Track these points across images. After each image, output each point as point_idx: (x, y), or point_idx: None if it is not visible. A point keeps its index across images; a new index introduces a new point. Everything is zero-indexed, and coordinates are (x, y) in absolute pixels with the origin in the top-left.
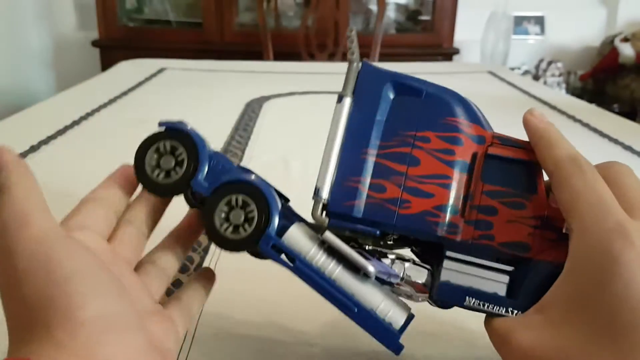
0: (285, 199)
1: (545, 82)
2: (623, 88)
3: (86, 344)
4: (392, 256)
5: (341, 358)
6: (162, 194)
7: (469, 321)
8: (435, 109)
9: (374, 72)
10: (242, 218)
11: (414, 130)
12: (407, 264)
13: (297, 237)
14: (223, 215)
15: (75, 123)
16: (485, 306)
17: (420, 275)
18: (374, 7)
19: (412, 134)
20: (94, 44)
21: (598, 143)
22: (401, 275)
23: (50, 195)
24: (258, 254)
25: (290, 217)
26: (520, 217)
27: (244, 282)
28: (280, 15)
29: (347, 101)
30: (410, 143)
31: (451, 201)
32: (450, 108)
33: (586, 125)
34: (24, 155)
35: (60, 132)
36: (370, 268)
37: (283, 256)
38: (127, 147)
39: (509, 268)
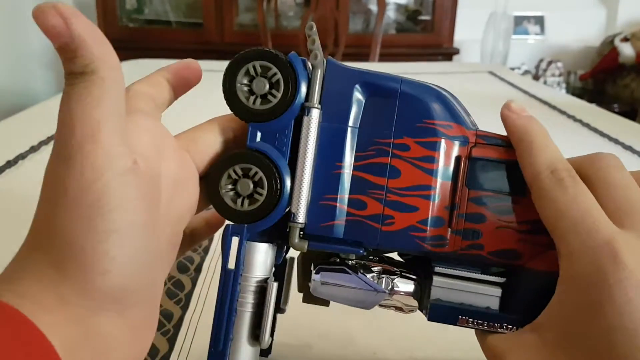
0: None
1: (545, 82)
2: (623, 88)
3: (87, 313)
4: (377, 269)
5: (342, 358)
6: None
7: None
8: (411, 111)
9: (341, 73)
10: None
11: (391, 137)
12: (394, 277)
13: (258, 255)
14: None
15: None
16: (479, 324)
17: (407, 284)
18: (374, 7)
19: (389, 142)
20: None
21: (598, 143)
22: (387, 290)
23: None
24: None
25: (274, 235)
26: (509, 223)
27: None
28: (280, 15)
29: (315, 113)
30: (388, 152)
31: (436, 213)
32: (428, 109)
33: (586, 125)
34: (24, 155)
35: None
36: (267, 340)
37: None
38: None
39: (501, 280)
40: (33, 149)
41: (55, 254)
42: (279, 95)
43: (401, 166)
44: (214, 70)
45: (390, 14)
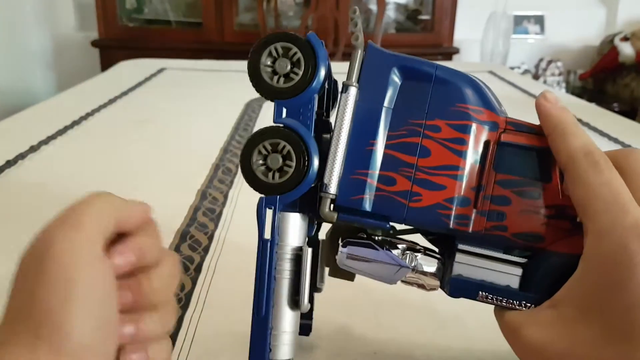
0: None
1: (545, 82)
2: (623, 87)
3: None
4: (402, 246)
5: (343, 357)
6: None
7: (469, 320)
8: (445, 95)
9: (380, 56)
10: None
11: (423, 118)
12: (418, 255)
13: (291, 224)
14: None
15: (76, 123)
16: (498, 300)
17: (430, 262)
18: (373, 6)
19: (421, 123)
20: (94, 44)
21: (598, 142)
22: (411, 266)
23: (50, 195)
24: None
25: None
26: (533, 207)
27: (244, 282)
28: (280, 15)
29: (353, 91)
30: (419, 132)
31: (463, 192)
32: (461, 94)
33: (586, 124)
34: (23, 155)
35: (60, 132)
36: (305, 305)
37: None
38: (127, 147)
39: (522, 260)
40: (33, 149)
41: (33, 321)
42: (300, 72)
43: (432, 146)
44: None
45: (390, 13)
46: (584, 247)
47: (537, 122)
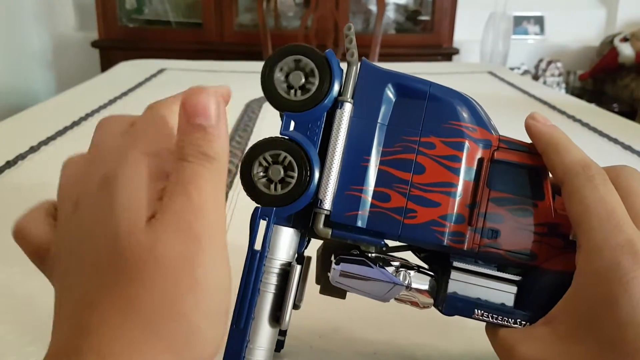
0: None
1: (544, 82)
2: (622, 88)
3: None
4: (396, 264)
5: (342, 358)
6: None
7: (469, 320)
8: (439, 112)
9: (374, 73)
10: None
11: (418, 135)
12: (411, 272)
13: (283, 238)
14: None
15: (75, 123)
16: (494, 318)
17: (424, 280)
18: (373, 7)
19: (415, 140)
20: (94, 44)
21: (598, 143)
22: (405, 283)
23: (50, 195)
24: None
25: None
26: (527, 225)
27: None
28: (280, 16)
29: (348, 107)
30: (414, 149)
31: (457, 210)
32: (455, 111)
33: (586, 125)
34: (23, 156)
35: (60, 133)
36: (286, 322)
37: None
38: None
39: (517, 278)
40: (33, 149)
41: (176, 338)
42: (315, 87)
43: (426, 163)
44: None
45: (390, 14)
46: (577, 263)
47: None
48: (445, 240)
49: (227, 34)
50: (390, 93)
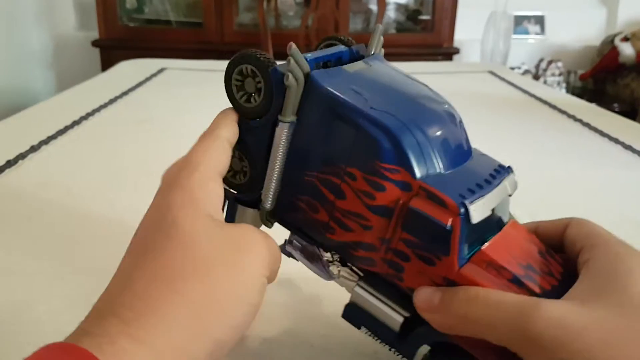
0: None
1: (545, 82)
2: (623, 87)
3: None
4: (328, 256)
5: (342, 358)
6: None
7: None
8: (365, 146)
9: (317, 92)
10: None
11: (345, 164)
12: (344, 269)
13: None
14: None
15: (76, 123)
16: (377, 339)
17: (352, 278)
18: (374, 6)
19: (343, 167)
20: (94, 44)
21: (598, 142)
22: (334, 276)
23: (50, 195)
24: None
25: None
26: (428, 272)
27: None
28: (280, 15)
29: (284, 126)
30: (340, 175)
31: (369, 240)
32: (378, 151)
33: (586, 124)
34: (24, 155)
35: (61, 132)
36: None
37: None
38: (127, 147)
39: (406, 314)
40: (33, 149)
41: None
42: (259, 99)
43: (347, 192)
44: (213, 70)
45: (391, 13)
46: (587, 257)
47: (536, 122)
48: (357, 262)
49: (227, 34)
50: (330, 115)
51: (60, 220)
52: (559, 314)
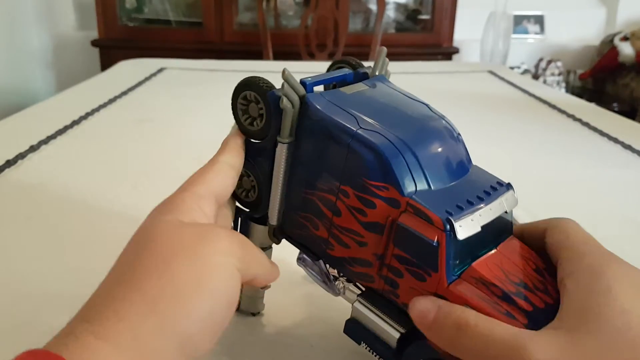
0: None
1: (544, 81)
2: (623, 87)
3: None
4: (335, 272)
5: (342, 358)
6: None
7: None
8: (355, 165)
9: (313, 113)
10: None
11: (339, 182)
12: (348, 285)
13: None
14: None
15: (75, 123)
16: (376, 356)
17: (354, 292)
18: (373, 6)
19: (337, 185)
20: (94, 43)
21: (598, 142)
22: (337, 292)
23: (50, 194)
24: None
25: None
26: (420, 288)
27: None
28: (280, 15)
29: (282, 147)
30: (335, 193)
31: (365, 256)
32: (367, 169)
33: (586, 124)
34: (23, 155)
35: (60, 132)
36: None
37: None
38: (126, 147)
39: (403, 330)
40: (33, 149)
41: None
42: (261, 123)
43: (342, 209)
44: (213, 70)
45: (390, 13)
46: (566, 272)
47: (535, 122)
48: (355, 277)
49: (227, 33)
50: (324, 136)
51: (60, 220)
52: (549, 349)
